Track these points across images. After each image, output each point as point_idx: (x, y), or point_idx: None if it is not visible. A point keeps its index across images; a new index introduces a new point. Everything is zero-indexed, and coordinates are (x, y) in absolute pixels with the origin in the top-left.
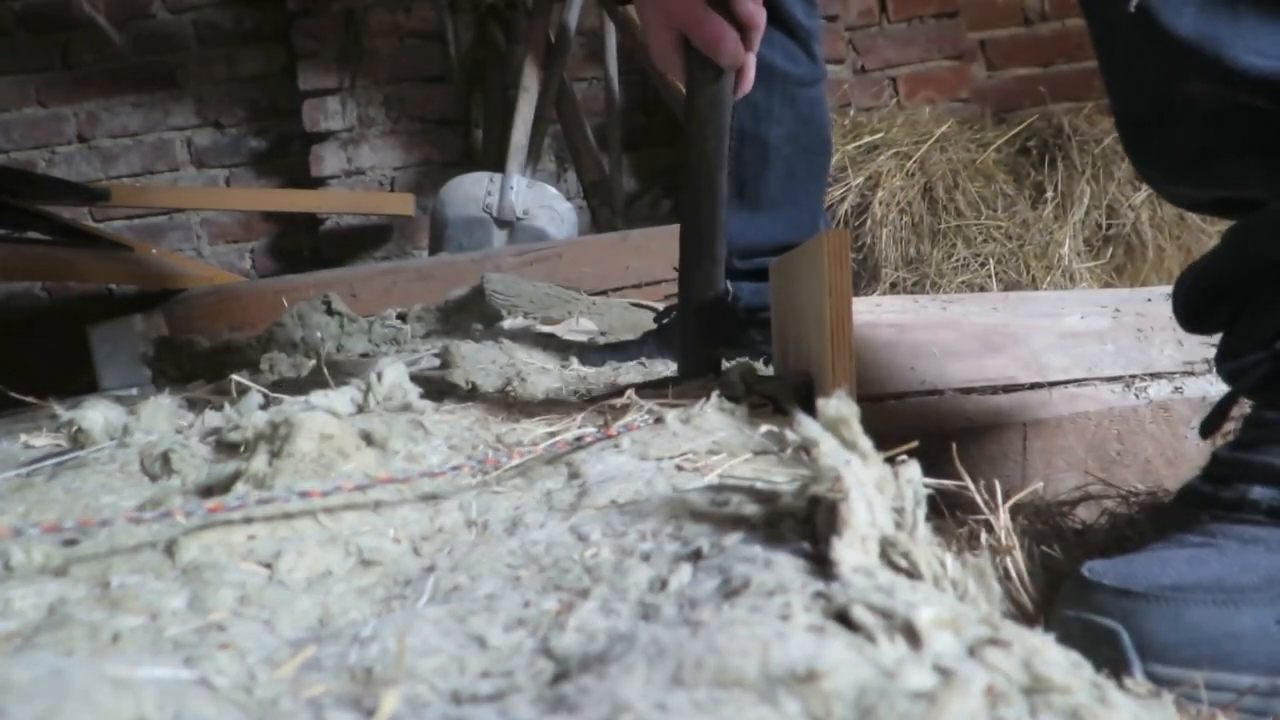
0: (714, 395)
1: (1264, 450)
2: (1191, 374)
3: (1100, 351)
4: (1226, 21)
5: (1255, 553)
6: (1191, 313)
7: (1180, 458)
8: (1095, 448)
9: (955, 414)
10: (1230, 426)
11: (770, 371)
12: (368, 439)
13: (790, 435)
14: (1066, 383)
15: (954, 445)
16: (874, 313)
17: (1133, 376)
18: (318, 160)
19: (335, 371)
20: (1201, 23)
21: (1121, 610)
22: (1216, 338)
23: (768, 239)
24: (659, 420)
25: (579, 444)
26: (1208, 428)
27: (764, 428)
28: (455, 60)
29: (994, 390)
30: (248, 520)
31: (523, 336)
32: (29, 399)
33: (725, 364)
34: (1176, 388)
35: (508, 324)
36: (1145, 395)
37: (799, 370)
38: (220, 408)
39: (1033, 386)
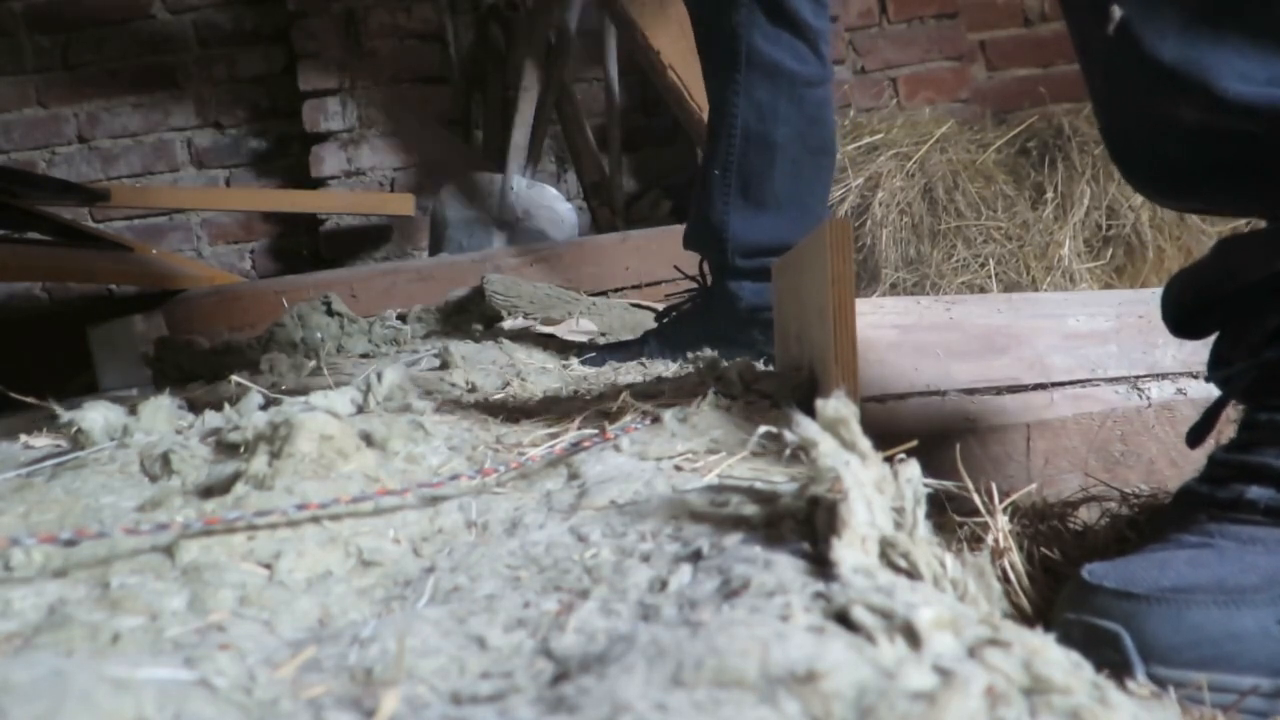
0: (710, 393)
1: (1259, 451)
2: (1195, 375)
3: (1104, 352)
4: (1210, 46)
5: (1254, 553)
6: (1180, 320)
7: (1184, 458)
8: (1099, 449)
9: (959, 415)
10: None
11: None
12: (368, 440)
13: (789, 436)
14: (1070, 384)
15: (956, 446)
16: (878, 314)
17: (1137, 377)
18: (318, 161)
19: (335, 372)
20: (1185, 48)
21: (1123, 613)
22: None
23: (771, 239)
24: (655, 420)
25: (576, 448)
26: (1195, 436)
27: (762, 428)
28: (455, 61)
29: (998, 391)
30: (248, 524)
31: (523, 337)
32: (29, 399)
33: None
34: (1180, 389)
35: (508, 325)
36: (1149, 396)
37: (798, 365)
38: (220, 408)
39: (1036, 387)
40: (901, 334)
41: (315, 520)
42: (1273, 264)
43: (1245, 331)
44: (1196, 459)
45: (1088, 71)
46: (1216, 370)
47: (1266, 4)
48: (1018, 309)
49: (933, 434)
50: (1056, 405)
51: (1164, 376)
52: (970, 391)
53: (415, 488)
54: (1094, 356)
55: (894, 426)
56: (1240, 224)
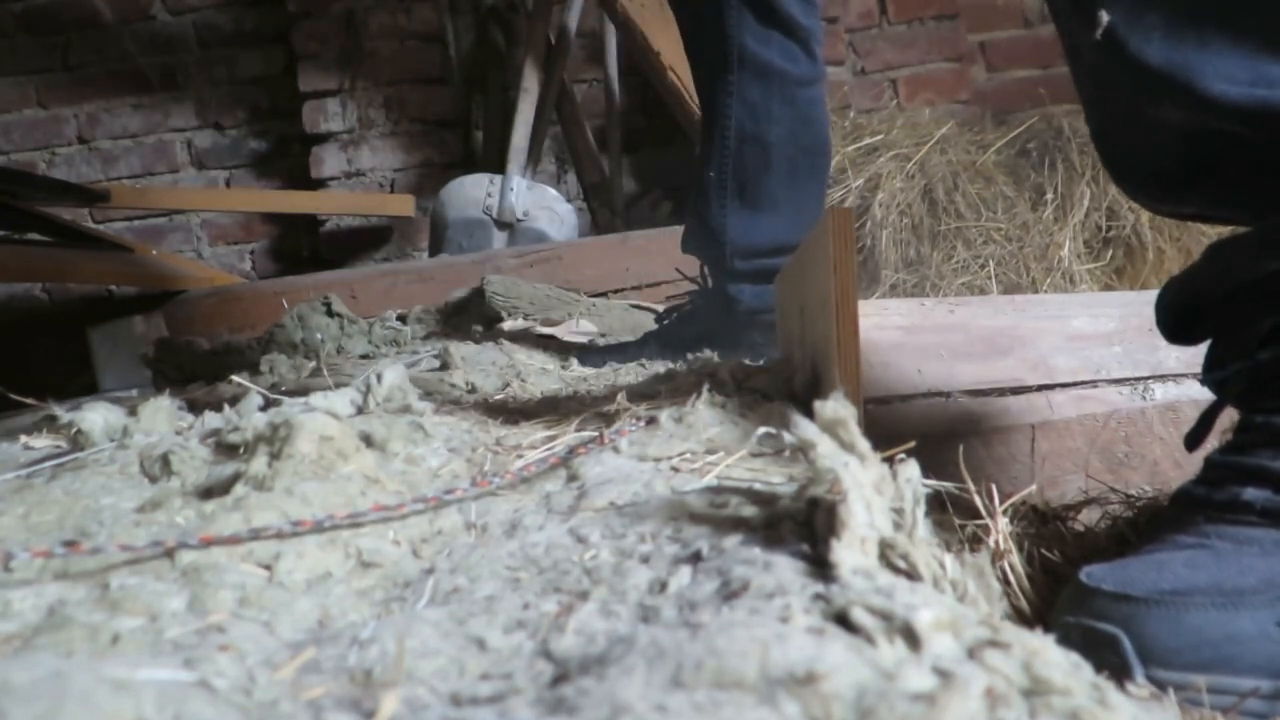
0: (704, 391)
1: (1255, 453)
2: (1199, 377)
3: (1108, 354)
4: (1194, 48)
5: (1251, 554)
6: (1175, 326)
7: (1188, 460)
8: (1103, 450)
9: (963, 416)
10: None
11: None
12: (367, 440)
13: (787, 438)
14: (1074, 385)
15: (960, 448)
16: (881, 315)
17: (1140, 378)
18: (318, 162)
19: (335, 373)
20: (1170, 50)
21: (1121, 615)
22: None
23: (769, 240)
24: (652, 421)
25: (572, 453)
26: (1193, 440)
27: (761, 429)
28: (455, 62)
29: (1002, 392)
30: (248, 522)
31: (523, 338)
32: (29, 400)
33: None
34: (1184, 390)
35: (508, 326)
36: (1153, 397)
37: (790, 358)
38: (220, 409)
39: (1040, 389)
40: (905, 335)
41: (315, 513)
42: (1262, 264)
43: (1237, 335)
44: (1200, 460)
45: (1078, 77)
46: (1211, 373)
47: (1250, 6)
48: (1021, 310)
49: (937, 436)
50: (1060, 407)
51: (1168, 378)
52: (974, 393)
53: (410, 503)
54: (1098, 358)
55: (898, 428)
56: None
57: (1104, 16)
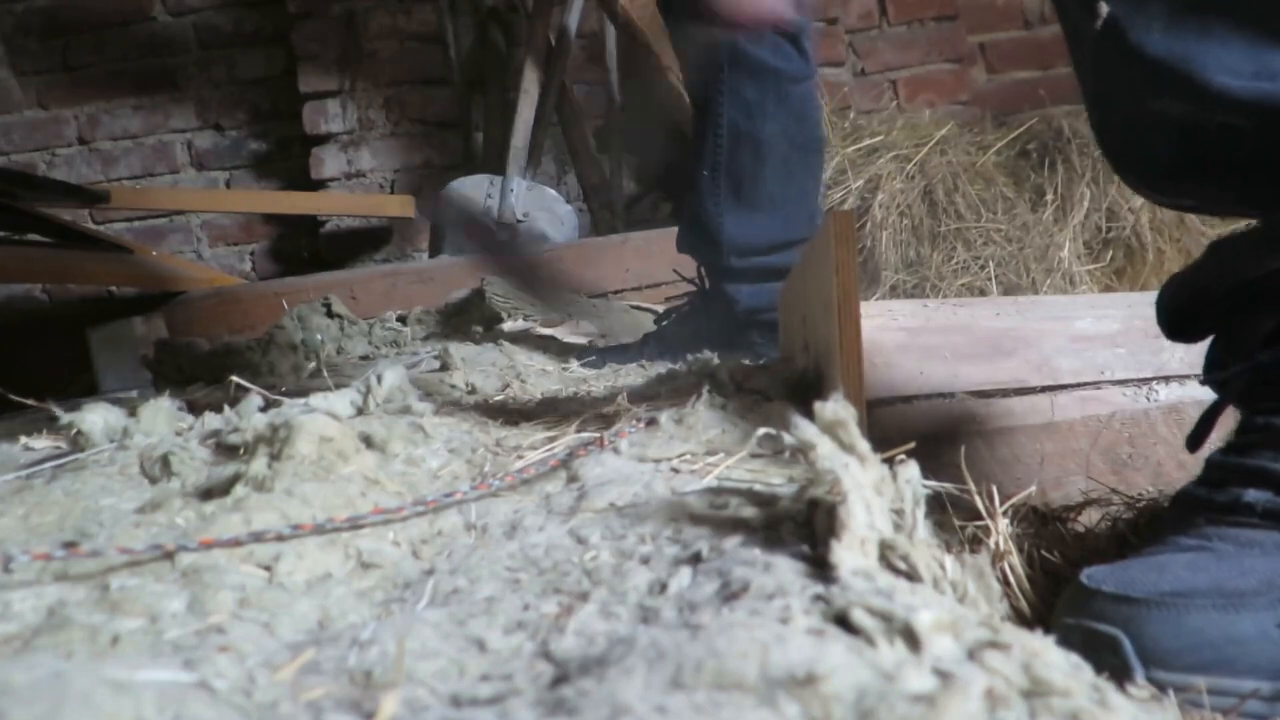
0: (704, 393)
1: (1256, 454)
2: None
3: (1111, 355)
4: (1196, 39)
5: (1252, 556)
6: (1175, 324)
7: (1191, 461)
8: (1106, 451)
9: (966, 417)
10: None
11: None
12: (367, 441)
13: (787, 439)
14: (1078, 386)
15: (961, 448)
16: (885, 316)
17: (1144, 379)
18: (318, 163)
19: (335, 374)
20: (1171, 41)
21: (1122, 617)
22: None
23: (765, 238)
24: (652, 423)
25: (571, 455)
26: (1194, 441)
27: (761, 430)
28: (455, 63)
29: (1005, 394)
30: (247, 523)
31: (523, 339)
32: (29, 401)
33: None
34: (1188, 391)
35: (508, 326)
36: (1156, 398)
37: (794, 364)
38: (220, 410)
39: (1044, 389)
40: (909, 336)
41: (315, 514)
42: (1265, 263)
43: (1239, 334)
44: (1202, 461)
45: (1079, 68)
46: (1212, 373)
47: None
48: (1025, 311)
49: (940, 436)
50: (1064, 407)
51: (1172, 379)
52: (978, 394)
53: (410, 506)
54: (1101, 359)
55: (902, 429)
56: (1239, 225)
57: (1104, 7)
